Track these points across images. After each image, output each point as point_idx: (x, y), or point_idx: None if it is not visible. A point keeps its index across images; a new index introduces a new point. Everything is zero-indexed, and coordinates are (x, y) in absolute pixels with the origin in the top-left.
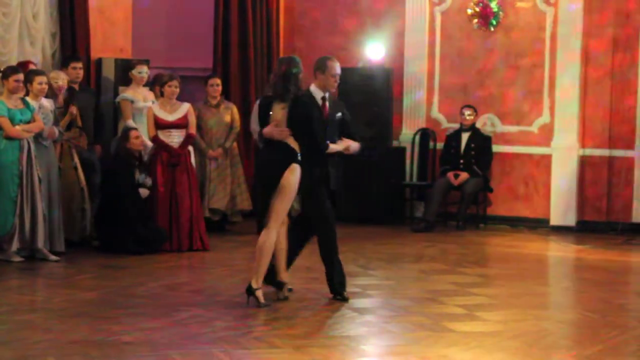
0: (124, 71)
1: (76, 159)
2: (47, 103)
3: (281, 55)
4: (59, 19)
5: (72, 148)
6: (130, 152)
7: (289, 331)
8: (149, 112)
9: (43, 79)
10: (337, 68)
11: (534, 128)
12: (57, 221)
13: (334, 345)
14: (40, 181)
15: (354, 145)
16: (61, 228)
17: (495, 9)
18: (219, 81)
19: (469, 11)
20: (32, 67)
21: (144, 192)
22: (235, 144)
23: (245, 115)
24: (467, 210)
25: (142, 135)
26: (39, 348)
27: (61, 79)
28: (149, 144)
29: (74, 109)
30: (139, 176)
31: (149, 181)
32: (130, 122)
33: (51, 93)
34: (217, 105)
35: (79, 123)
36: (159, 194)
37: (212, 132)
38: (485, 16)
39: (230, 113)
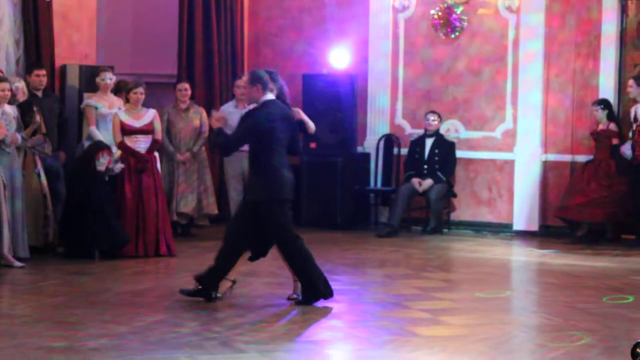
0: (89, 78)
1: (39, 166)
2: (10, 109)
3: (245, 62)
4: (23, 25)
5: (36, 155)
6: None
7: (254, 336)
8: (114, 118)
9: (6, 85)
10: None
11: (497, 134)
12: (21, 227)
13: (299, 349)
14: (5, 187)
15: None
16: (25, 234)
17: (460, 15)
18: (187, 85)
19: (433, 16)
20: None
21: (119, 167)
22: (203, 148)
23: None
24: (439, 213)
25: (107, 162)
26: (4, 355)
27: (21, 85)
28: (117, 168)
29: (38, 117)
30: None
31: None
32: (94, 129)
33: (13, 99)
34: (187, 110)
35: (43, 130)
36: (126, 199)
37: (180, 136)
38: (449, 23)
39: (199, 117)
